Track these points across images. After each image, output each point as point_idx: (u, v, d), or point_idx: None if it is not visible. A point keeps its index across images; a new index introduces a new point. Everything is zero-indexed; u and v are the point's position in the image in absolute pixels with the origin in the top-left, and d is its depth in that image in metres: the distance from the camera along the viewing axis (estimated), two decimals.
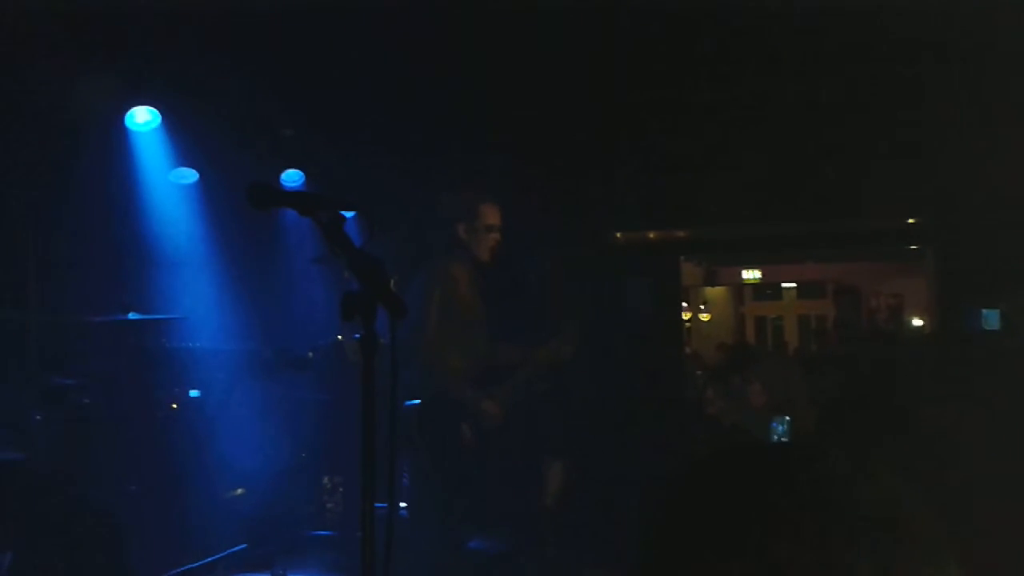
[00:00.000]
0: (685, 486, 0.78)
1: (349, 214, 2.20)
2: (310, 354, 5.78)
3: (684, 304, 10.50)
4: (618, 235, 7.53)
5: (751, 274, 13.66)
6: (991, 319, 6.27)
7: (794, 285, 14.85)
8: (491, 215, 4.36)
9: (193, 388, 5.28)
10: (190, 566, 4.53)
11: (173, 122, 5.31)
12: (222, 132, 5.41)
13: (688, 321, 12.76)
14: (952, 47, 4.93)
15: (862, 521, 0.70)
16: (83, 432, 4.49)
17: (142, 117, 5.25)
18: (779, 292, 15.18)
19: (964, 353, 6.11)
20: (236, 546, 4.87)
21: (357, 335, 2.00)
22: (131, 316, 4.79)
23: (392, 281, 2.08)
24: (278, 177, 6.07)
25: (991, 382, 5.55)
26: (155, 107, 5.23)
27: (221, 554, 4.75)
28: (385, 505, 2.07)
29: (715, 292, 14.47)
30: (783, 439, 4.23)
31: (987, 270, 6.33)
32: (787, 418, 4.39)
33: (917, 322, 10.68)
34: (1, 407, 4.33)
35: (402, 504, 4.57)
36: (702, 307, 14.37)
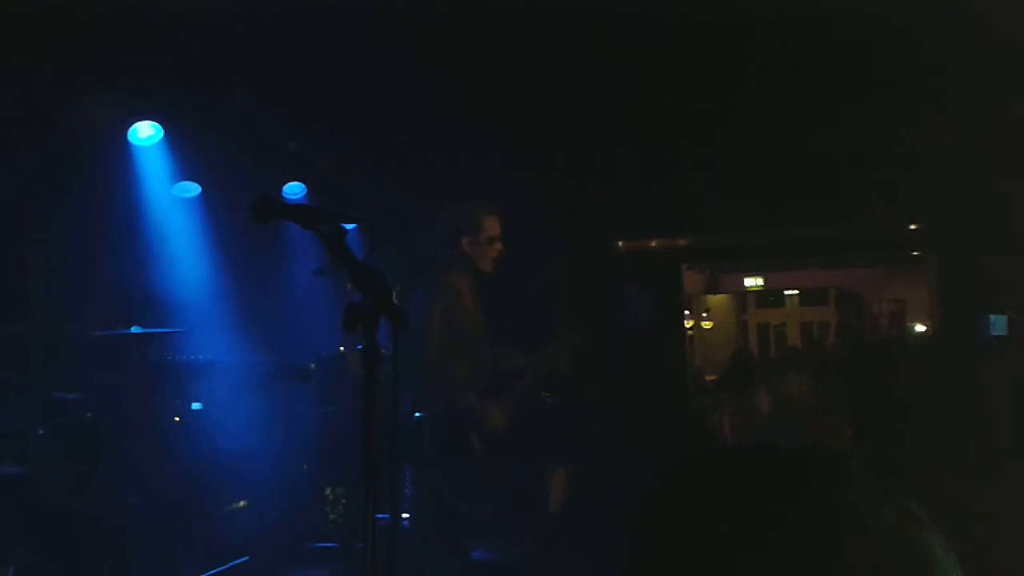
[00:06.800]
0: (684, 491, 0.78)
1: (350, 226, 2.21)
2: (312, 366, 5.79)
3: (686, 312, 10.50)
4: (620, 243, 7.53)
5: (753, 281, 13.66)
6: (998, 325, 6.26)
7: (797, 292, 14.85)
8: (493, 226, 4.37)
9: (195, 401, 5.29)
10: None
11: (175, 137, 5.33)
12: (224, 146, 5.43)
13: (691, 329, 12.76)
14: (954, 49, 4.93)
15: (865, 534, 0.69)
16: (86, 445, 4.49)
17: (144, 132, 5.27)
18: (782, 299, 15.17)
19: (972, 358, 6.10)
20: (239, 558, 4.87)
21: (359, 346, 2.01)
22: (134, 330, 4.80)
23: (394, 293, 2.09)
24: (280, 190, 6.08)
25: (1001, 387, 5.54)
26: (157, 122, 5.26)
27: (224, 566, 4.75)
28: (388, 516, 2.07)
29: (717, 300, 14.46)
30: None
31: (990, 275, 6.32)
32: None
33: (920, 328, 10.68)
34: (4, 421, 4.34)
35: (404, 515, 4.57)
36: (704, 315, 14.37)
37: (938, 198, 6.53)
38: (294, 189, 6.18)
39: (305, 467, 5.60)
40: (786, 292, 14.90)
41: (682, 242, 7.95)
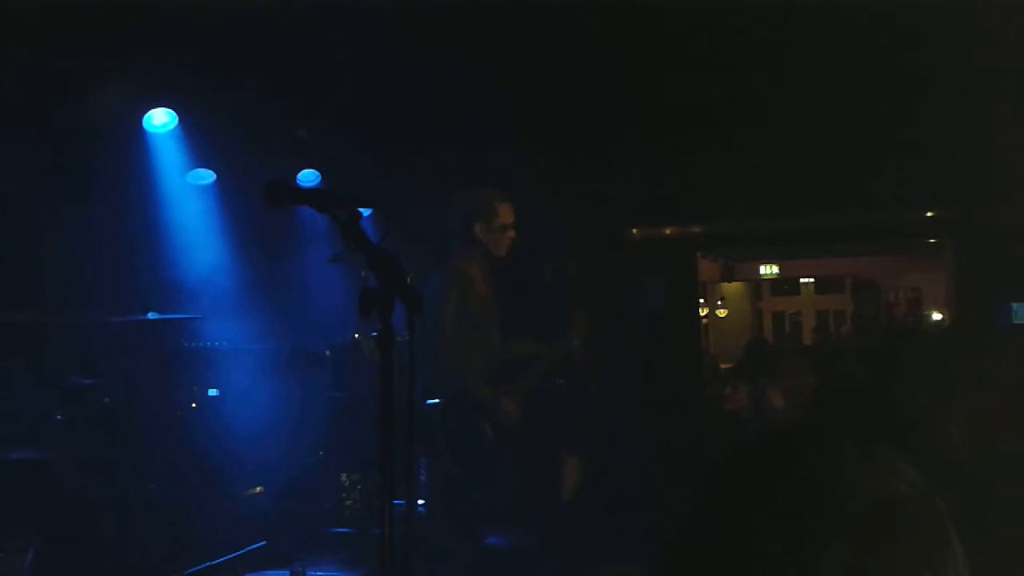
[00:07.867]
0: (703, 479, 0.78)
1: (366, 211, 2.20)
2: (327, 352, 5.81)
3: (701, 300, 10.47)
4: (634, 231, 7.52)
5: (769, 269, 13.60)
6: (1021, 313, 6.22)
7: (812, 280, 14.77)
8: (507, 214, 4.35)
9: (212, 387, 5.32)
10: (210, 563, 4.57)
11: (190, 124, 5.34)
12: (238, 133, 5.43)
13: (705, 317, 12.72)
14: (971, 36, 4.88)
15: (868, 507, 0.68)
16: (103, 431, 4.52)
17: (159, 119, 5.28)
18: (797, 287, 15.10)
19: (993, 346, 6.06)
20: (256, 543, 4.90)
21: (374, 333, 2.00)
22: (150, 316, 4.82)
23: (409, 278, 2.08)
24: (295, 177, 6.09)
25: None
26: (172, 109, 5.26)
27: (241, 551, 4.78)
28: (403, 502, 2.07)
29: (732, 288, 14.41)
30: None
31: (1007, 262, 6.27)
32: None
33: (936, 316, 10.61)
34: (22, 407, 4.37)
35: (420, 501, 4.59)
36: (719, 303, 14.33)
37: (954, 185, 6.48)
38: (308, 176, 6.19)
39: (321, 453, 5.63)
40: (801, 280, 14.83)
41: (696, 230, 7.92)
